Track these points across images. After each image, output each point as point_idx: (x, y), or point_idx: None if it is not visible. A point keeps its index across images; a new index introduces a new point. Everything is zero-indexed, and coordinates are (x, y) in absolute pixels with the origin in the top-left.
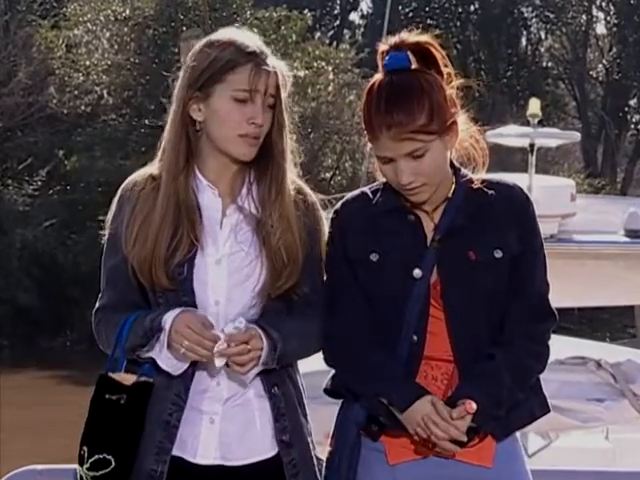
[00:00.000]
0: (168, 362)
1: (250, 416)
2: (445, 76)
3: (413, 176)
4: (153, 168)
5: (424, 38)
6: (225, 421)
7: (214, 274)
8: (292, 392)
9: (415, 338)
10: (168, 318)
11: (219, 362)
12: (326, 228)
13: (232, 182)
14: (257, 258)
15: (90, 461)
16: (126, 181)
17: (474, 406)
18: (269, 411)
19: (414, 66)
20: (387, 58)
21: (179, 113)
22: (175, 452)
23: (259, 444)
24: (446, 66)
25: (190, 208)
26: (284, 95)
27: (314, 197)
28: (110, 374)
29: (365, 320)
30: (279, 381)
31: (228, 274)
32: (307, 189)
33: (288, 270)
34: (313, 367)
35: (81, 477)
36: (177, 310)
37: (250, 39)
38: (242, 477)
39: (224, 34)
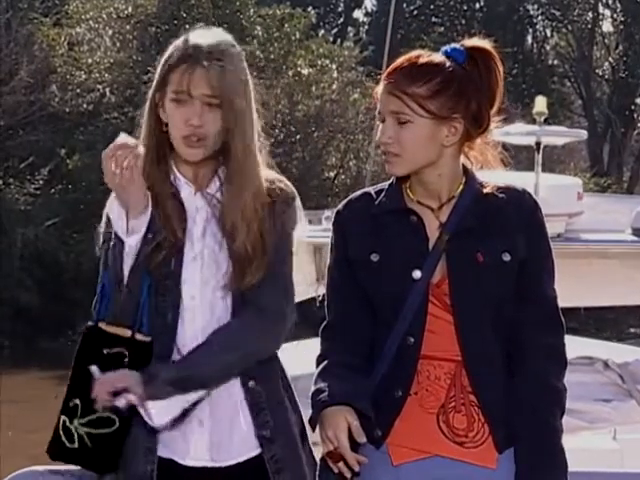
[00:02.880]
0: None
1: (235, 410)
2: (492, 93)
3: (391, 140)
4: None
5: (488, 47)
6: (213, 421)
7: (189, 269)
8: (278, 388)
9: (412, 340)
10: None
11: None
12: (296, 224)
13: (202, 179)
14: (221, 253)
15: (88, 418)
16: None
17: None
18: (247, 406)
19: (465, 65)
20: (448, 47)
21: (149, 112)
22: (165, 454)
23: (246, 441)
24: (497, 84)
25: (169, 202)
26: (231, 94)
27: (287, 192)
28: (102, 325)
29: (355, 321)
30: (258, 376)
31: (200, 269)
32: (281, 184)
33: (254, 266)
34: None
35: (65, 429)
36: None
37: (200, 37)
38: (231, 477)
39: (187, 33)
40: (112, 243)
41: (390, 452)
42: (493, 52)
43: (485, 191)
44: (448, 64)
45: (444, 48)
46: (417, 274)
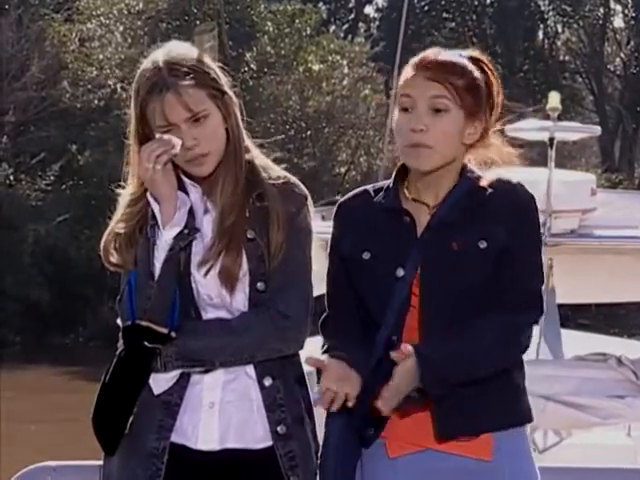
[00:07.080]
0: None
1: (247, 403)
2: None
3: (426, 128)
4: None
5: (485, 59)
6: (224, 404)
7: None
8: (294, 385)
9: (395, 338)
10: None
11: None
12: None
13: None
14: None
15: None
16: None
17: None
18: (262, 401)
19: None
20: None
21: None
22: (178, 440)
23: (256, 430)
24: (497, 92)
25: None
26: (200, 106)
27: (299, 194)
28: (140, 322)
29: (351, 317)
30: (275, 372)
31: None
32: (293, 185)
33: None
34: None
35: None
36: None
37: (150, 62)
38: (240, 464)
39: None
40: (143, 238)
41: (387, 445)
42: (489, 64)
43: (478, 185)
44: (472, 66)
45: (458, 52)
46: (400, 272)
